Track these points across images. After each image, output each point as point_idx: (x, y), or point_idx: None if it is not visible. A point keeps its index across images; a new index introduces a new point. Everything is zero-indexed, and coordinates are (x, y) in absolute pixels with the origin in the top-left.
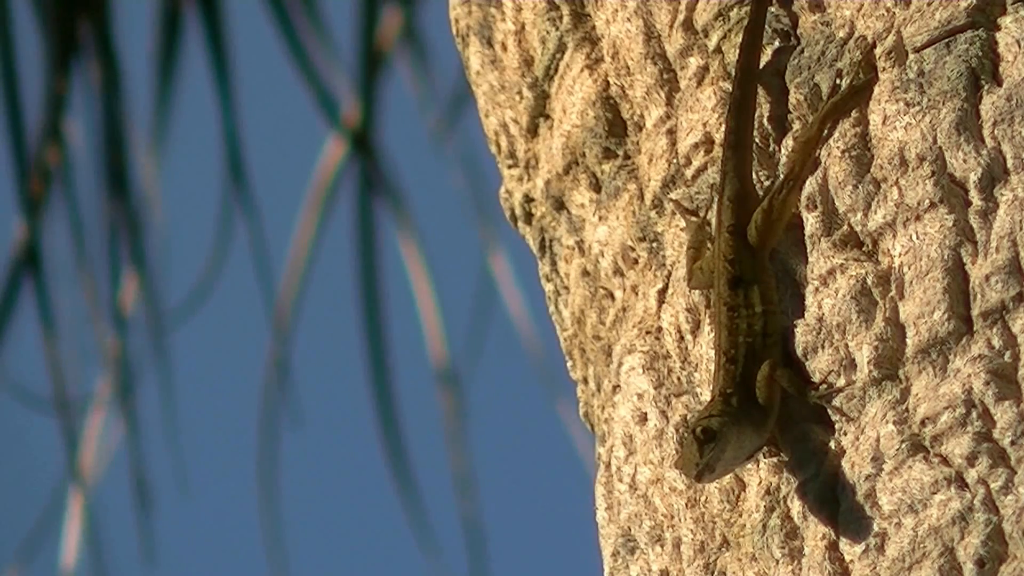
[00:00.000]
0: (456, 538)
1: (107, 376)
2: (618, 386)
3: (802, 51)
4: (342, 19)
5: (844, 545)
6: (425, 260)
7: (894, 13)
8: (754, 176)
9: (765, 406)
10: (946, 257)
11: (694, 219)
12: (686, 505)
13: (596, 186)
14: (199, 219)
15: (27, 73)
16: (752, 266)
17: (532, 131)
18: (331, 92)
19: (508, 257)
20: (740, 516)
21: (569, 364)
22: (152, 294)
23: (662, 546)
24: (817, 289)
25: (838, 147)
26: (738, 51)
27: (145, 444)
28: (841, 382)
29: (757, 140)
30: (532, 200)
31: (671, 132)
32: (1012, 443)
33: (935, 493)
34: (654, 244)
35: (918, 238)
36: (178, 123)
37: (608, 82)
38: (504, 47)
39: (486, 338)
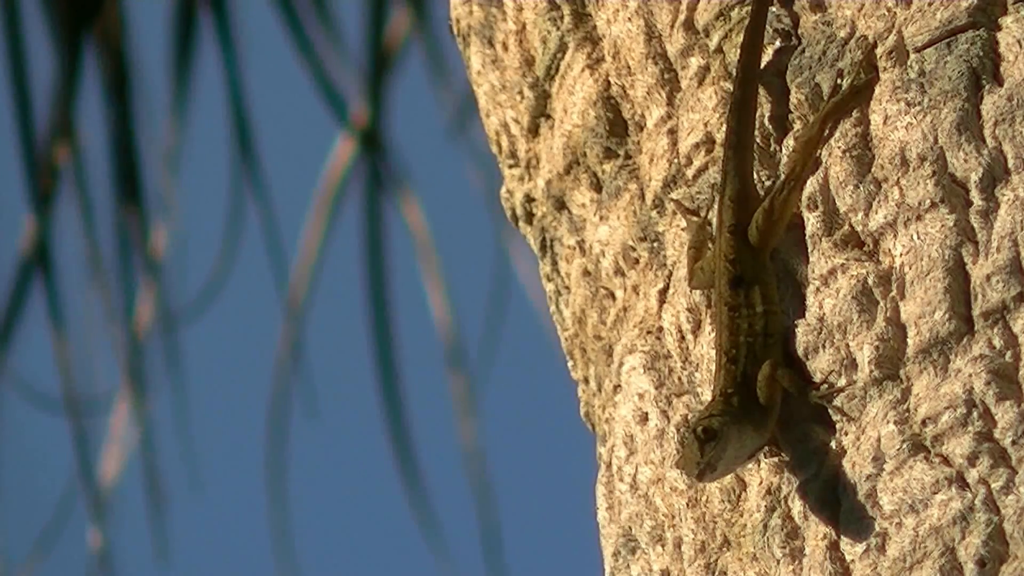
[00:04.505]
0: (461, 532)
1: (121, 374)
2: (619, 386)
3: (803, 51)
4: (351, 17)
5: (845, 545)
6: (436, 252)
7: (895, 13)
8: (755, 176)
9: (766, 406)
10: (947, 257)
11: (695, 219)
12: (687, 505)
13: (597, 186)
14: (210, 217)
15: (37, 68)
16: (753, 266)
17: (533, 131)
18: (340, 89)
19: (521, 249)
20: (741, 516)
21: (570, 364)
22: (164, 292)
23: (663, 546)
24: (818, 289)
25: (839, 147)
26: (739, 51)
27: (157, 441)
28: (842, 382)
29: (758, 140)
30: (533, 200)
31: (672, 132)
32: (1013, 443)
33: (936, 493)
34: (655, 244)
35: (919, 238)
36: (189, 119)
37: (609, 82)
38: (505, 47)
39: (500, 328)
